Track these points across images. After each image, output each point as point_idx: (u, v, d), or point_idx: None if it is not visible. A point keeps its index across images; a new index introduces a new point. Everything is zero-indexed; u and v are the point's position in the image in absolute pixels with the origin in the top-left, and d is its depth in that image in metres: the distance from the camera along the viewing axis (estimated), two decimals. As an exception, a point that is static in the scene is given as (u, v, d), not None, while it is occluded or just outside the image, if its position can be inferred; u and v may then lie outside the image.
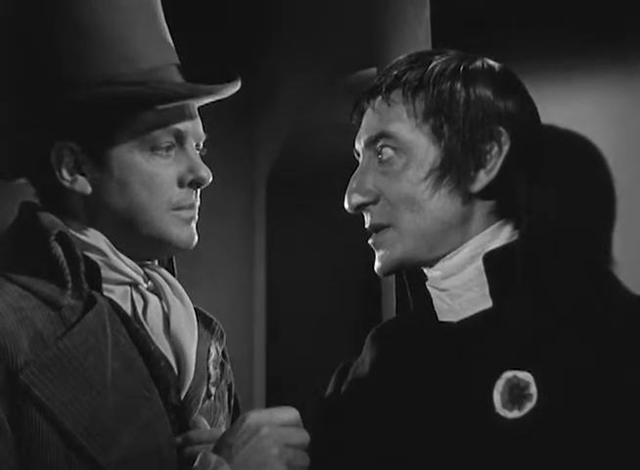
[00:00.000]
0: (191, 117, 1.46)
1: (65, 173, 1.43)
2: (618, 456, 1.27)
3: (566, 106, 1.63)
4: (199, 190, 1.48)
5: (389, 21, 2.39)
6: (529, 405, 1.31)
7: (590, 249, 1.55)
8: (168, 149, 1.44)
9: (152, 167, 1.42)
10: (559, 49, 1.64)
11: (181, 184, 1.45)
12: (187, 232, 1.45)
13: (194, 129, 1.47)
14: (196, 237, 1.47)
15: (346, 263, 3.16)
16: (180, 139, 1.45)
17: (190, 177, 1.45)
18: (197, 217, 1.48)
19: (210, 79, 1.48)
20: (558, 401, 1.30)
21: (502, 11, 1.74)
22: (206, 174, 1.45)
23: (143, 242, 1.44)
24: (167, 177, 1.43)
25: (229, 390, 1.60)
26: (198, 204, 1.48)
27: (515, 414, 1.31)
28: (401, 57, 1.47)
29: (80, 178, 1.43)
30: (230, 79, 1.49)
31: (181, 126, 1.44)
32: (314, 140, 3.06)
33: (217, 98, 1.50)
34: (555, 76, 1.64)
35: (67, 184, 1.43)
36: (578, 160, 1.60)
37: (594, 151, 1.56)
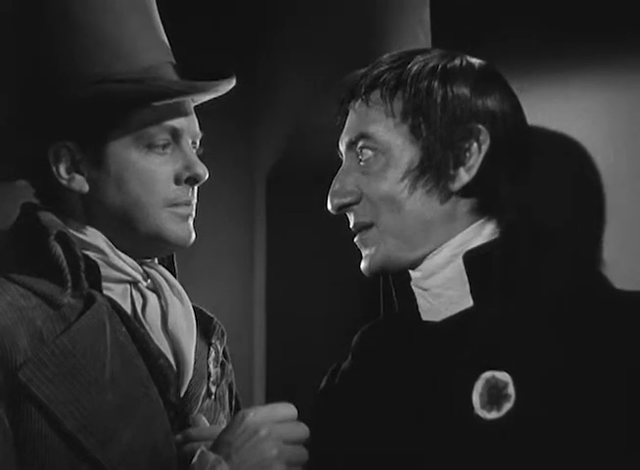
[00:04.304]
0: (186, 115, 1.46)
1: (62, 172, 1.43)
2: (596, 457, 1.27)
3: (567, 105, 1.63)
4: (196, 187, 1.48)
5: (389, 21, 2.39)
6: (508, 406, 1.31)
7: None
8: (164, 146, 1.44)
9: (148, 165, 1.43)
10: (559, 48, 1.64)
11: (177, 181, 1.45)
12: (184, 229, 1.46)
13: (190, 127, 1.47)
14: (193, 234, 1.48)
15: (347, 263, 3.16)
16: (176, 136, 1.45)
17: (186, 174, 1.45)
18: (194, 215, 1.48)
19: (206, 77, 1.48)
20: (536, 402, 1.30)
21: (502, 11, 1.74)
22: (203, 171, 1.46)
23: (140, 239, 1.45)
24: (164, 174, 1.44)
25: (230, 389, 1.60)
26: (195, 201, 1.48)
27: (493, 415, 1.32)
28: (384, 56, 1.47)
29: (78, 177, 1.44)
30: (225, 77, 1.49)
31: (177, 124, 1.45)
32: (314, 140, 3.06)
33: (212, 95, 1.51)
34: (555, 77, 1.64)
35: (64, 183, 1.44)
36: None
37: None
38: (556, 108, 1.62)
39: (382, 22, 2.45)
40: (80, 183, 1.44)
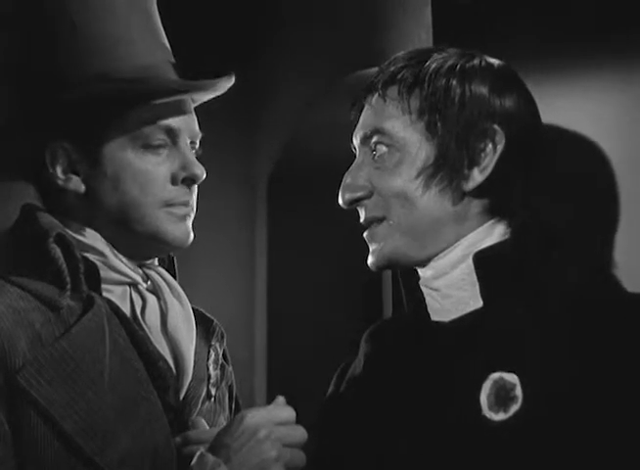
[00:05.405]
0: (184, 114, 1.46)
1: (59, 173, 1.44)
2: (602, 459, 1.26)
3: (568, 105, 1.62)
4: (195, 188, 1.47)
5: (390, 20, 2.39)
6: (515, 408, 1.30)
7: (586, 249, 1.54)
8: (161, 146, 1.44)
9: (144, 165, 1.42)
10: (560, 48, 1.63)
11: (174, 181, 1.44)
12: (182, 229, 1.45)
13: (188, 126, 1.46)
14: (191, 235, 1.47)
15: (348, 263, 3.16)
16: (173, 136, 1.45)
17: (183, 174, 1.44)
18: (192, 215, 1.47)
19: (204, 76, 1.47)
20: (543, 404, 1.29)
21: (504, 10, 1.73)
22: (200, 172, 1.45)
23: (138, 240, 1.44)
24: (160, 174, 1.43)
25: (230, 391, 1.59)
26: (193, 201, 1.47)
27: (500, 416, 1.31)
28: (400, 53, 1.47)
29: (74, 177, 1.44)
30: (222, 75, 1.48)
31: (173, 124, 1.44)
32: (314, 140, 3.06)
33: (211, 94, 1.50)
34: (557, 75, 1.64)
35: (61, 183, 1.44)
36: (578, 159, 1.60)
37: (595, 150, 1.56)
38: (557, 107, 1.61)
39: (382, 22, 2.45)
40: (76, 184, 1.43)
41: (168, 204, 1.44)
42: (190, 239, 1.47)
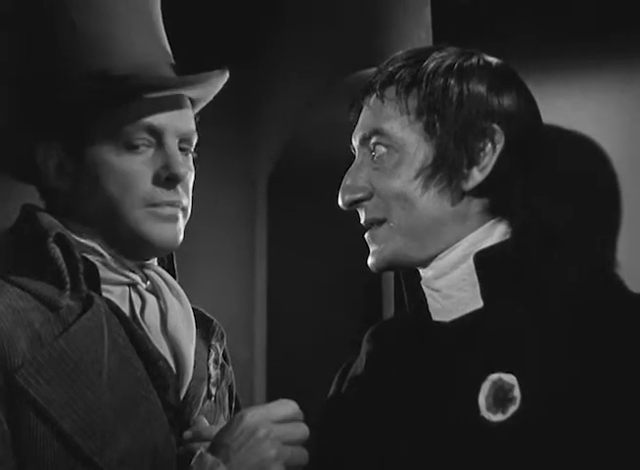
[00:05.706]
0: (172, 113, 1.43)
1: (50, 172, 1.44)
2: (602, 460, 1.26)
3: (568, 105, 1.62)
4: (188, 189, 1.45)
5: (390, 20, 2.38)
6: (513, 409, 1.30)
7: (586, 249, 1.54)
8: (143, 146, 1.42)
9: (126, 164, 1.41)
10: (560, 48, 1.63)
11: (156, 181, 1.42)
12: (167, 230, 1.43)
13: (175, 125, 1.43)
14: (180, 236, 1.44)
15: (348, 263, 3.16)
16: (157, 136, 1.42)
17: (165, 174, 1.42)
18: (181, 215, 1.44)
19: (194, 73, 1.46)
20: (540, 405, 1.29)
21: (504, 10, 1.73)
22: (183, 171, 1.42)
23: (124, 240, 1.43)
24: (141, 174, 1.41)
25: (230, 391, 1.59)
26: (183, 201, 1.44)
27: (499, 418, 1.31)
28: (399, 53, 1.46)
29: (64, 177, 1.43)
30: (210, 70, 1.46)
31: (156, 122, 1.41)
32: (314, 140, 3.06)
33: (206, 91, 1.47)
34: (557, 75, 1.64)
35: (52, 183, 1.44)
36: (578, 159, 1.59)
37: (595, 150, 1.56)
38: (557, 107, 1.61)
39: (382, 22, 2.45)
40: (67, 183, 1.43)
41: (151, 204, 1.41)
42: (178, 240, 1.44)
